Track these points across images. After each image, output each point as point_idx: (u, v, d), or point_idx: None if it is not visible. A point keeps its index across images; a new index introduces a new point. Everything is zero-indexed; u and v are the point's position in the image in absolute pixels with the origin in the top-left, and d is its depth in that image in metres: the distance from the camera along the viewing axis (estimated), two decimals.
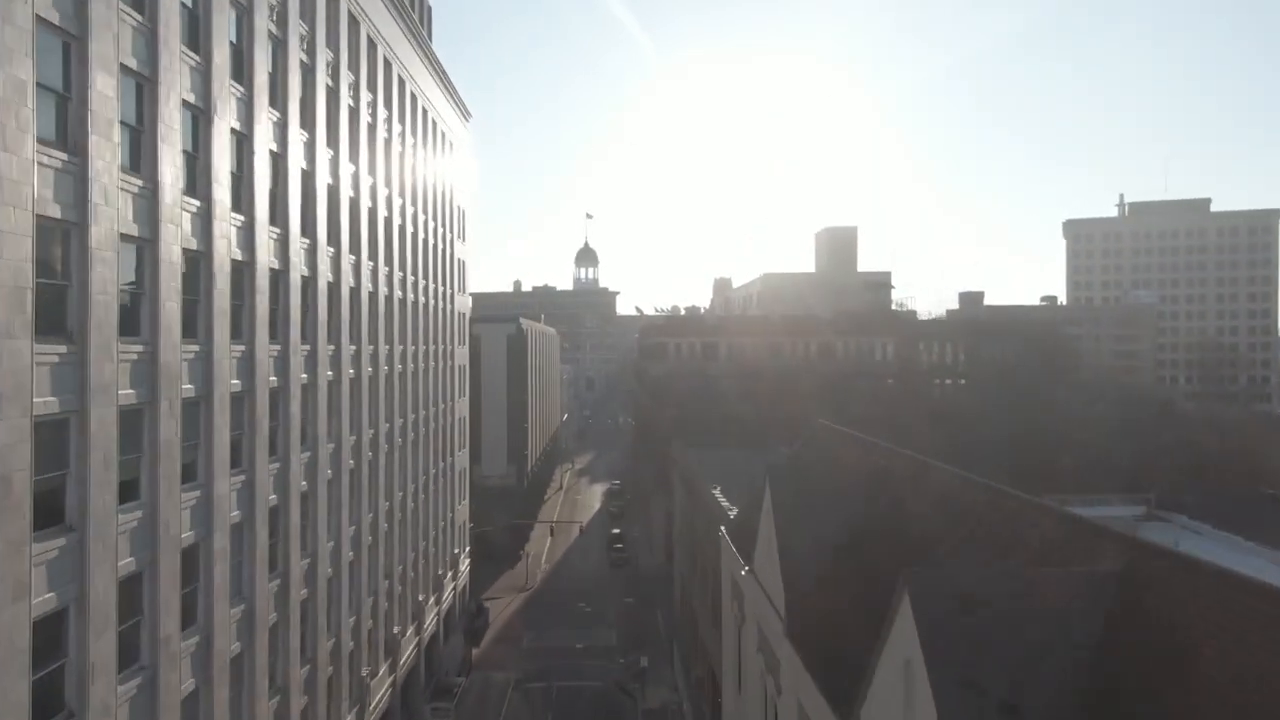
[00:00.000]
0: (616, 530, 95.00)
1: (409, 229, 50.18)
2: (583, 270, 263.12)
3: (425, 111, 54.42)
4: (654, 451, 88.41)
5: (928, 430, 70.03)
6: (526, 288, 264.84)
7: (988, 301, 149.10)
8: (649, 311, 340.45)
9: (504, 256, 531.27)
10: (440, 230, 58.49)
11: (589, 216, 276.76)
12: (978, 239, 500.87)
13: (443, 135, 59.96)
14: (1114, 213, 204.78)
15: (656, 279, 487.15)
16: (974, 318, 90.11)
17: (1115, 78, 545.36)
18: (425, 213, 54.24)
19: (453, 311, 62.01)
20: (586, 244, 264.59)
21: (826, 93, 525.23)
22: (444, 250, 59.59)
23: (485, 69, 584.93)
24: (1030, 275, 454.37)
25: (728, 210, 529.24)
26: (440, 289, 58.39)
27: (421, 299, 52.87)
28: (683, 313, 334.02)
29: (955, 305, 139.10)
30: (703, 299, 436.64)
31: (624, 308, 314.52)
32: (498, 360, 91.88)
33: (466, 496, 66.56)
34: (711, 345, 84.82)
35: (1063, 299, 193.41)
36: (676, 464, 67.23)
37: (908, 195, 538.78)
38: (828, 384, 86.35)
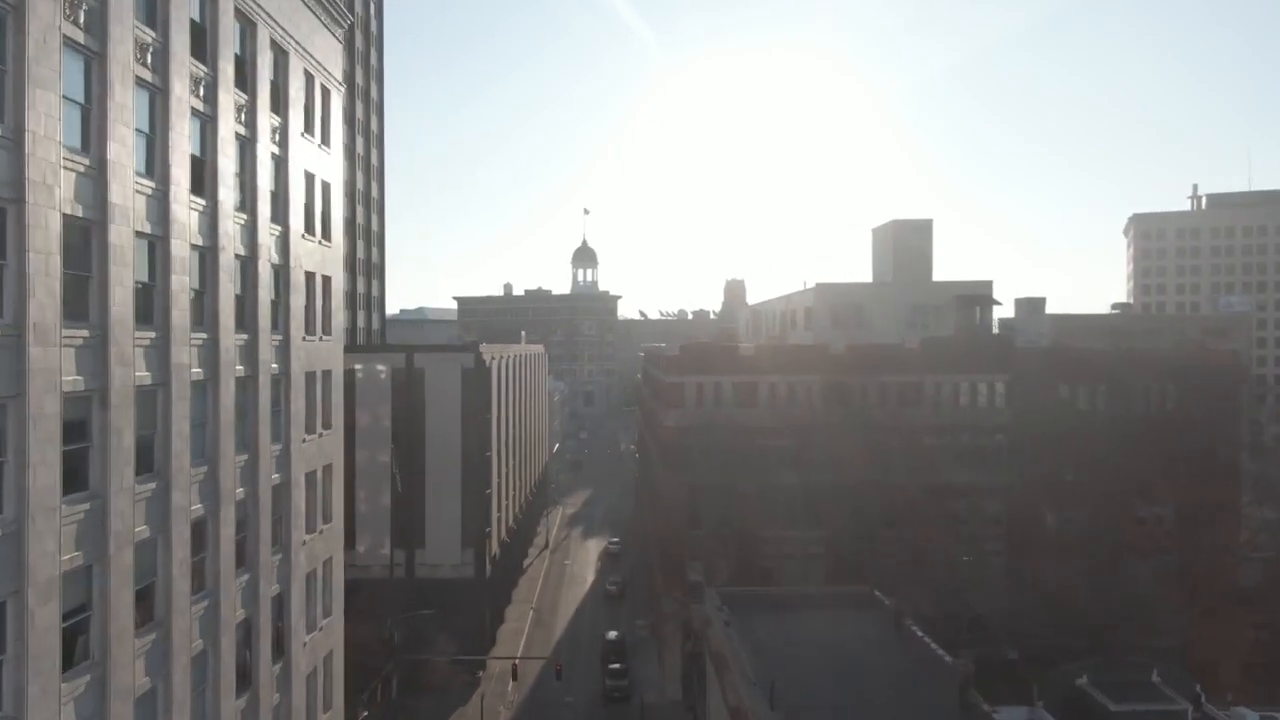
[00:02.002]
0: (613, 635, 69.44)
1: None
2: (580, 272, 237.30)
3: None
4: (668, 541, 62.62)
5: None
6: (519, 291, 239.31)
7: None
8: (653, 315, 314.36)
9: (503, 259, 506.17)
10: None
11: (586, 212, 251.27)
12: (980, 241, 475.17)
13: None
14: (1186, 206, 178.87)
15: (661, 282, 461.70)
16: (1114, 346, 64.11)
17: (1138, 71, 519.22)
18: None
19: (289, 268, 36.57)
20: (584, 243, 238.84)
21: (835, 90, 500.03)
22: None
23: (483, 69, 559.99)
24: (1040, 278, 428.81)
25: (736, 209, 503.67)
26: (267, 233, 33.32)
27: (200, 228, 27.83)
28: (690, 316, 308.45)
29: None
30: (712, 302, 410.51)
31: (626, 312, 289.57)
32: (448, 404, 66.31)
33: (335, 610, 40.65)
34: (747, 387, 59.20)
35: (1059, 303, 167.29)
36: (706, 640, 42.03)
37: (911, 195, 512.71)
38: (916, 443, 60.64)
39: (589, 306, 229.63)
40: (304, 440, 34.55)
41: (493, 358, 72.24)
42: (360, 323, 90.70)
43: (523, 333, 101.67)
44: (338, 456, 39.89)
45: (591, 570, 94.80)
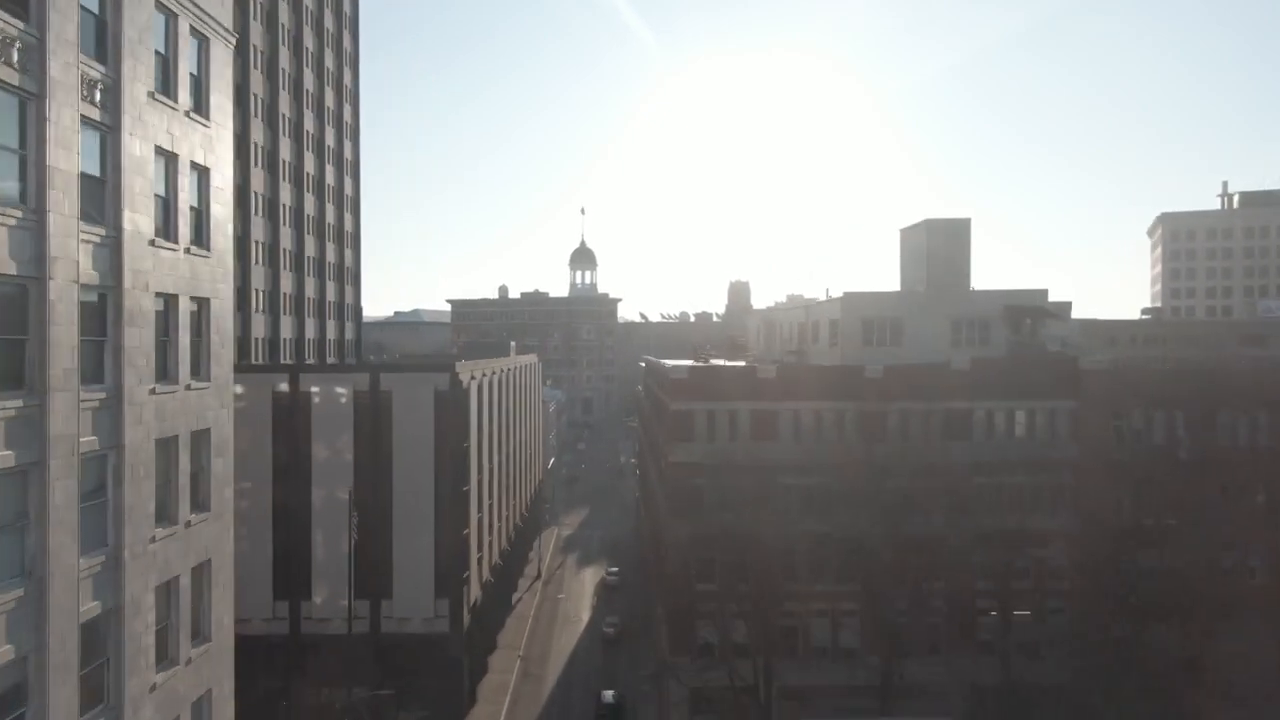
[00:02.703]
0: (609, 697, 60.59)
1: None
2: (579, 274, 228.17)
3: None
4: (674, 594, 53.62)
5: None
6: (515, 294, 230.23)
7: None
8: (654, 318, 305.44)
9: (503, 259, 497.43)
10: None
11: (583, 211, 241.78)
12: (981, 241, 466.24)
13: None
14: (1216, 204, 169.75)
15: (661, 284, 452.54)
16: (1195, 368, 55.25)
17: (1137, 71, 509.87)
18: None
19: (122, 290, 27.27)
20: (583, 243, 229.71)
21: (836, 90, 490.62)
22: None
23: (483, 69, 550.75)
24: (1041, 279, 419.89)
25: (737, 210, 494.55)
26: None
27: None
28: (692, 319, 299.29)
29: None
30: (715, 304, 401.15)
31: (626, 315, 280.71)
32: (419, 432, 57.22)
33: None
34: (767, 416, 50.24)
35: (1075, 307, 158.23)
36: None
37: (911, 195, 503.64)
38: (965, 482, 51.62)
39: (587, 310, 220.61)
40: (153, 540, 24.97)
41: (473, 376, 63.16)
42: (331, 334, 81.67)
43: (512, 343, 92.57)
44: (222, 547, 30.18)
45: (587, 607, 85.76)
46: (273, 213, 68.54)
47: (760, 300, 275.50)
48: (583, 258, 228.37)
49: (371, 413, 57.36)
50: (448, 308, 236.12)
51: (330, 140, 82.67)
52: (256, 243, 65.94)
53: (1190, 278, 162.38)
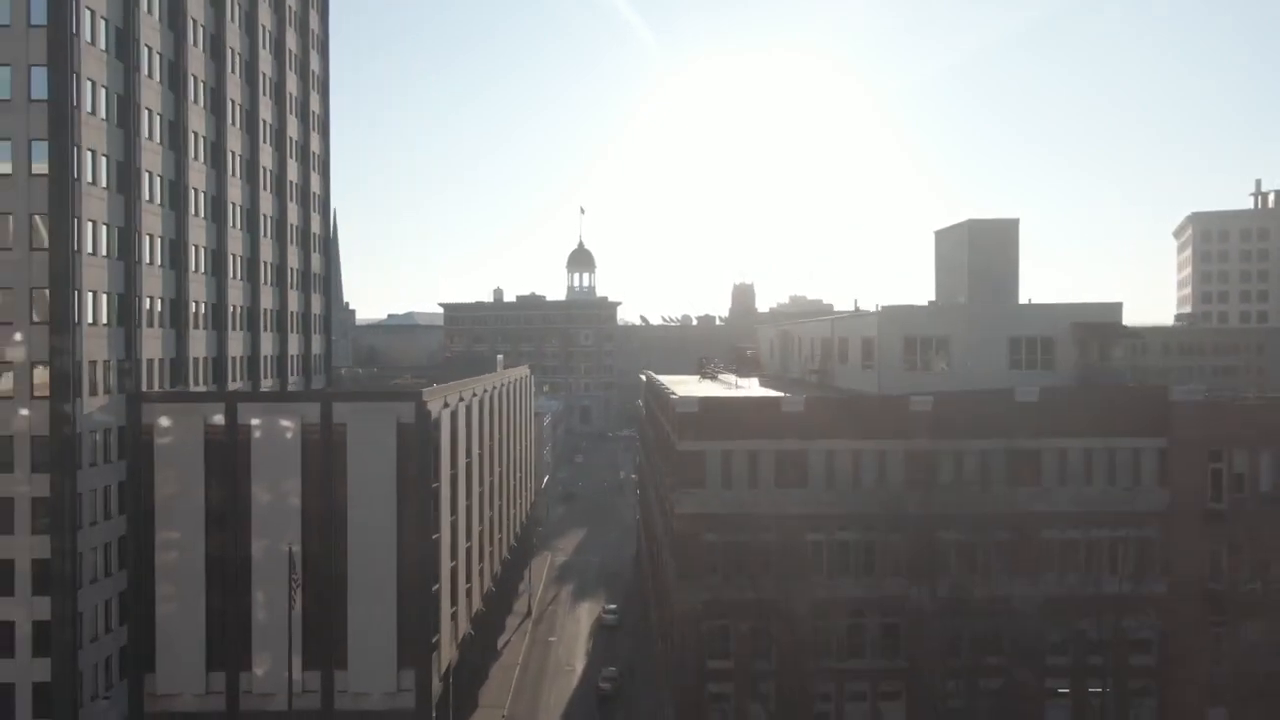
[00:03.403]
0: None
1: None
2: (577, 276, 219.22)
3: None
4: (683, 673, 44.65)
5: None
6: (510, 297, 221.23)
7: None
8: (655, 321, 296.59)
9: (503, 259, 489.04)
10: None
11: (582, 211, 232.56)
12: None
13: None
14: (1249, 204, 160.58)
15: (662, 287, 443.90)
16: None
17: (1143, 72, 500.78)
18: None
19: None
20: (581, 245, 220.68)
21: (836, 91, 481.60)
22: None
23: (482, 69, 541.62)
24: (1042, 280, 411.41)
25: (738, 211, 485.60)
26: None
27: None
28: (694, 322, 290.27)
29: None
30: (717, 306, 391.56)
31: (626, 319, 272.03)
32: (379, 472, 48.37)
33: None
34: (794, 458, 41.46)
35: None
36: None
37: (911, 195, 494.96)
38: (1032, 537, 42.90)
39: (585, 314, 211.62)
40: None
41: (446, 403, 54.27)
42: (295, 348, 72.78)
43: (500, 356, 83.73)
44: None
45: (581, 652, 76.86)
46: (218, 212, 59.64)
47: (763, 303, 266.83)
48: (581, 259, 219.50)
49: (323, 449, 48.55)
50: (441, 311, 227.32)
51: (294, 132, 73.78)
52: (197, 247, 57.05)
53: (1223, 280, 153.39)
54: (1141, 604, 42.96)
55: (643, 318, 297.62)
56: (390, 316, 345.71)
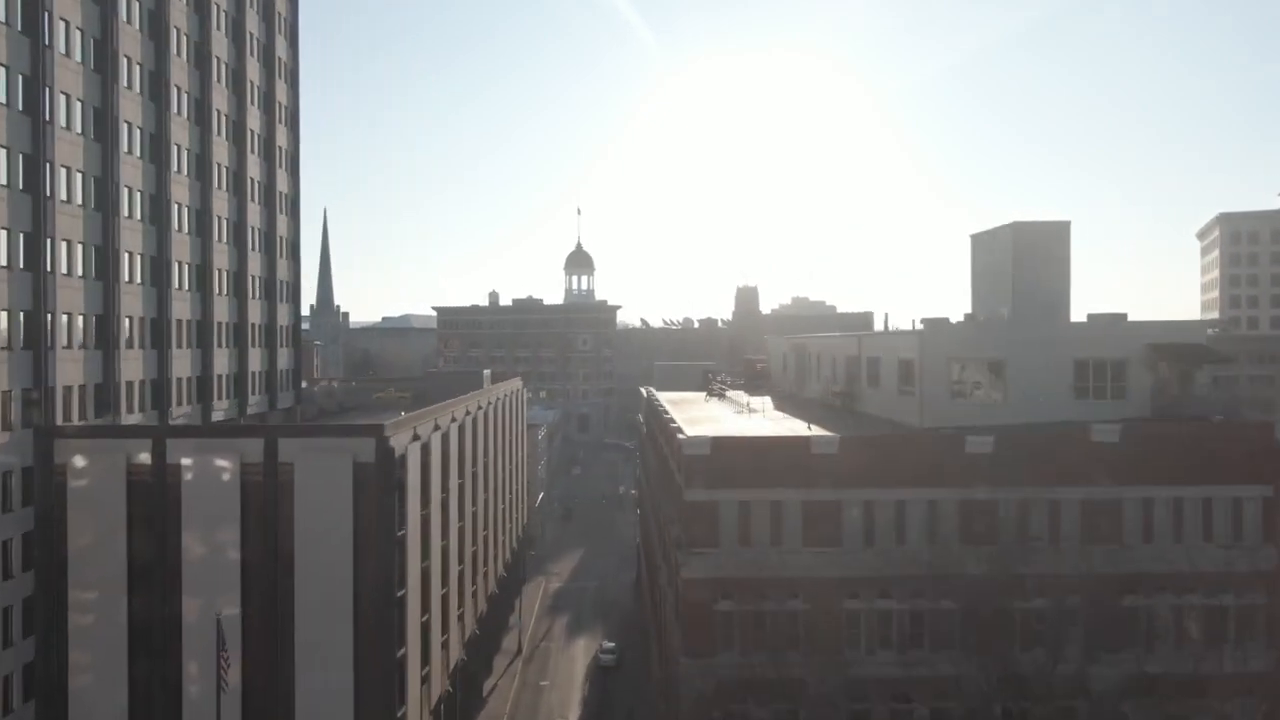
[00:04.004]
0: None
1: None
2: (575, 279, 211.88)
3: None
4: None
5: None
6: (506, 300, 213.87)
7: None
8: (655, 324, 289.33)
9: (503, 260, 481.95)
10: None
11: (579, 212, 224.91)
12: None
13: None
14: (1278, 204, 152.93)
15: (663, 290, 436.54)
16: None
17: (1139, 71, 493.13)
18: None
19: None
20: (579, 246, 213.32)
21: (836, 91, 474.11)
22: None
23: (482, 70, 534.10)
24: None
25: (739, 212, 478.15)
26: None
27: None
28: (696, 325, 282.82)
29: None
30: (719, 309, 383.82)
31: (626, 322, 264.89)
32: (332, 521, 41.01)
33: None
34: (826, 510, 33.95)
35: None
36: None
37: (912, 195, 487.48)
38: (1111, 605, 35.62)
39: (584, 317, 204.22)
40: None
41: (416, 435, 46.90)
42: (256, 364, 65.50)
43: (487, 372, 76.46)
44: None
45: (576, 700, 69.51)
46: (159, 214, 52.30)
47: (765, 304, 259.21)
48: (579, 261, 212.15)
49: (267, 493, 41.19)
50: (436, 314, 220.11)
51: (256, 125, 66.42)
52: (131, 254, 49.70)
53: (1253, 284, 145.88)
54: (1244, 684, 35.61)
55: (643, 320, 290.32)
56: (385, 320, 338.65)
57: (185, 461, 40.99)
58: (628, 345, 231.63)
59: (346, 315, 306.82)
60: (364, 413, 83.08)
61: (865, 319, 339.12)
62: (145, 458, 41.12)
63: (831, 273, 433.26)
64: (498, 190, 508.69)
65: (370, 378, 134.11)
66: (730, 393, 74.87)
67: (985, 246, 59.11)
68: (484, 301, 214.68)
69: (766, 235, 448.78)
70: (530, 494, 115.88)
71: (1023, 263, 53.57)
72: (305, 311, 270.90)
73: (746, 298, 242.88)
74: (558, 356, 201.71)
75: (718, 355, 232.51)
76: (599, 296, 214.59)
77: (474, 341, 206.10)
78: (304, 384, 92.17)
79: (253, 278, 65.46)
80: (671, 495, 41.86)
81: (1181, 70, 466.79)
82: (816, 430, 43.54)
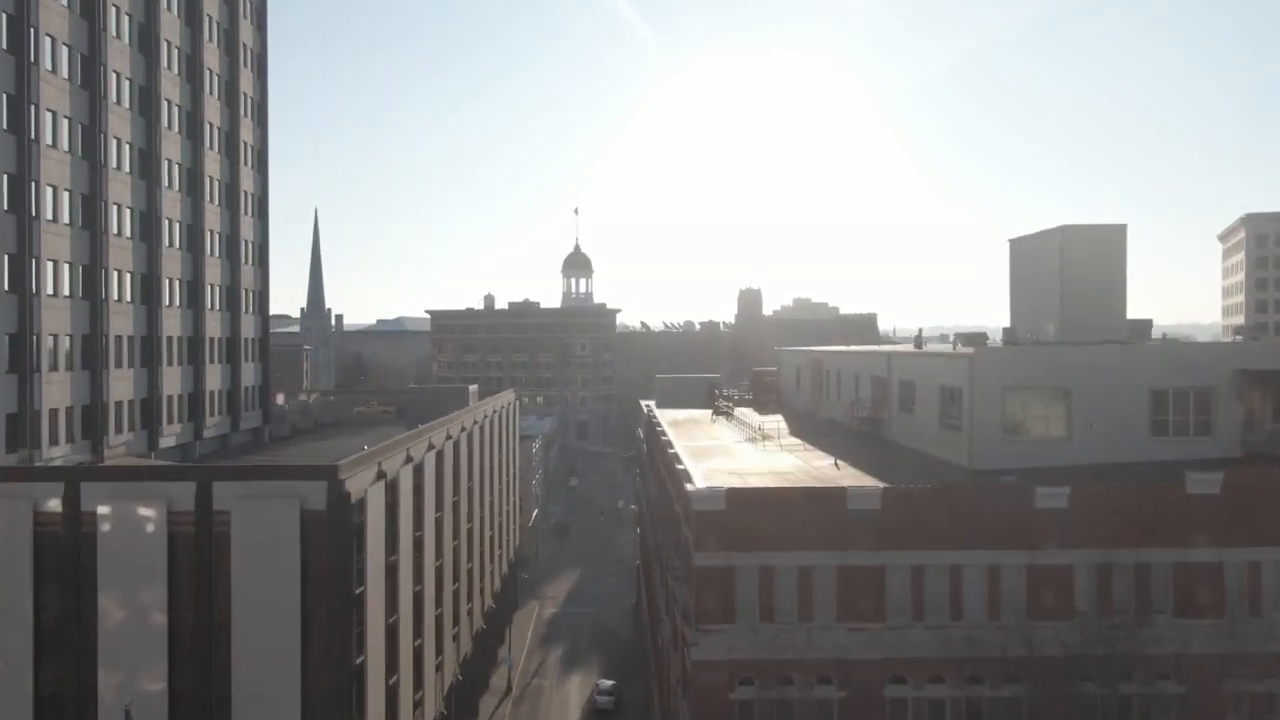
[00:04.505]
0: None
1: None
2: (573, 281, 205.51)
3: None
4: None
5: None
6: (502, 304, 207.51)
7: None
8: (656, 327, 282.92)
9: (501, 261, 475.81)
10: None
11: (576, 212, 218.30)
12: (980, 240, 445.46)
13: None
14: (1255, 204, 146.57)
15: (662, 293, 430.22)
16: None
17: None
18: None
19: None
20: (577, 248, 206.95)
21: (836, 90, 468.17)
22: None
23: (479, 69, 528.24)
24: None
25: (740, 214, 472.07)
26: None
27: None
28: (698, 328, 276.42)
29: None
30: (721, 312, 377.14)
31: (626, 324, 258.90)
32: (275, 579, 34.69)
33: None
34: (866, 577, 27.33)
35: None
36: None
37: (913, 195, 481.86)
38: (1212, 690, 29.23)
39: (582, 321, 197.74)
40: None
41: (381, 472, 40.57)
42: (216, 382, 59.26)
43: (472, 388, 70.17)
44: None
45: None
46: (92, 216, 45.95)
47: (767, 306, 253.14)
48: (577, 263, 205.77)
49: (199, 547, 34.90)
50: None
51: (215, 117, 60.10)
52: (56, 262, 43.36)
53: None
54: None
55: (644, 324, 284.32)
56: (380, 322, 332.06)
57: (102, 509, 34.66)
58: (627, 349, 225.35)
59: (340, 318, 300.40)
60: (343, 430, 76.87)
61: (869, 320, 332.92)
62: (56, 504, 34.83)
63: (833, 274, 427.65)
64: (496, 191, 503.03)
65: (353, 389, 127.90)
66: (738, 410, 68.66)
67: (1027, 253, 52.93)
68: (479, 305, 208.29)
69: (767, 236, 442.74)
70: (524, 512, 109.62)
71: (1072, 271, 47.53)
72: (295, 314, 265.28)
73: (749, 301, 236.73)
74: (555, 361, 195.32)
75: (719, 357, 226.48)
76: (597, 300, 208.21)
77: (469, 346, 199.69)
78: (282, 397, 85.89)
79: (211, 286, 59.12)
80: (678, 551, 35.50)
81: (1182, 70, 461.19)
82: (845, 467, 37.27)
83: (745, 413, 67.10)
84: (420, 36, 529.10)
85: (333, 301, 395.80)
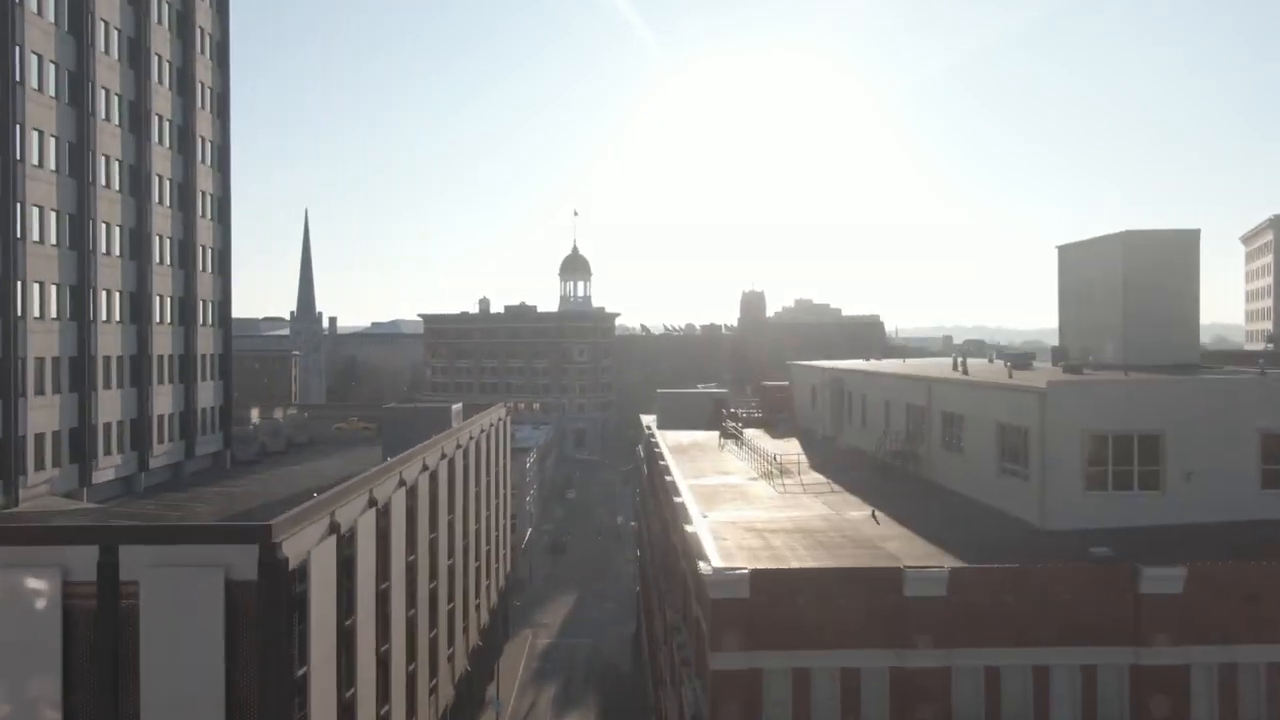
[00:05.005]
0: None
1: None
2: (570, 285, 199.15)
3: None
4: None
5: None
6: (497, 307, 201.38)
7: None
8: (656, 331, 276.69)
9: (501, 264, 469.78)
10: None
11: (575, 214, 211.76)
12: (981, 239, 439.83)
13: None
14: (1253, 204, 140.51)
15: (662, 296, 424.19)
16: None
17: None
18: None
19: None
20: (575, 250, 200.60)
21: (836, 90, 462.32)
22: None
23: (477, 70, 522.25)
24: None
25: (740, 216, 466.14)
26: None
27: None
28: (699, 331, 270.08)
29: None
30: (722, 314, 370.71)
31: (627, 324, 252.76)
32: (195, 663, 28.41)
33: None
34: (928, 681, 20.89)
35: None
36: None
37: (914, 193, 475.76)
38: None
39: (580, 326, 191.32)
40: None
41: (333, 525, 34.23)
42: (166, 405, 53.12)
43: (456, 407, 63.94)
44: None
45: None
46: (4, 223, 39.63)
47: (769, 308, 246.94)
48: (575, 266, 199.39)
49: (102, 625, 28.65)
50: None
51: (164, 108, 53.88)
52: None
53: None
54: None
55: (643, 326, 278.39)
56: (374, 325, 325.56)
57: None
58: (627, 353, 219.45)
59: (334, 320, 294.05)
60: (317, 451, 70.68)
61: (873, 323, 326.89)
62: None
63: (834, 274, 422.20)
64: (496, 192, 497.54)
65: (334, 404, 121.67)
66: (747, 431, 62.40)
67: (1079, 261, 46.58)
68: (474, 309, 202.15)
69: (768, 237, 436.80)
70: (516, 531, 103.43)
71: (1136, 283, 41.17)
72: (288, 317, 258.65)
73: (752, 304, 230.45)
74: (552, 368, 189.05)
75: (721, 361, 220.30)
76: (596, 303, 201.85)
77: (463, 352, 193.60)
78: (255, 417, 79.48)
79: (160, 298, 52.88)
80: (688, 632, 29.15)
81: (1182, 70, 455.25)
82: (885, 521, 31.00)
83: (756, 435, 60.85)
84: (420, 37, 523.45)
85: (328, 304, 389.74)
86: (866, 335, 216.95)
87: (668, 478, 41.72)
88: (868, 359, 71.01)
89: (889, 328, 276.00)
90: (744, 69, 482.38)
